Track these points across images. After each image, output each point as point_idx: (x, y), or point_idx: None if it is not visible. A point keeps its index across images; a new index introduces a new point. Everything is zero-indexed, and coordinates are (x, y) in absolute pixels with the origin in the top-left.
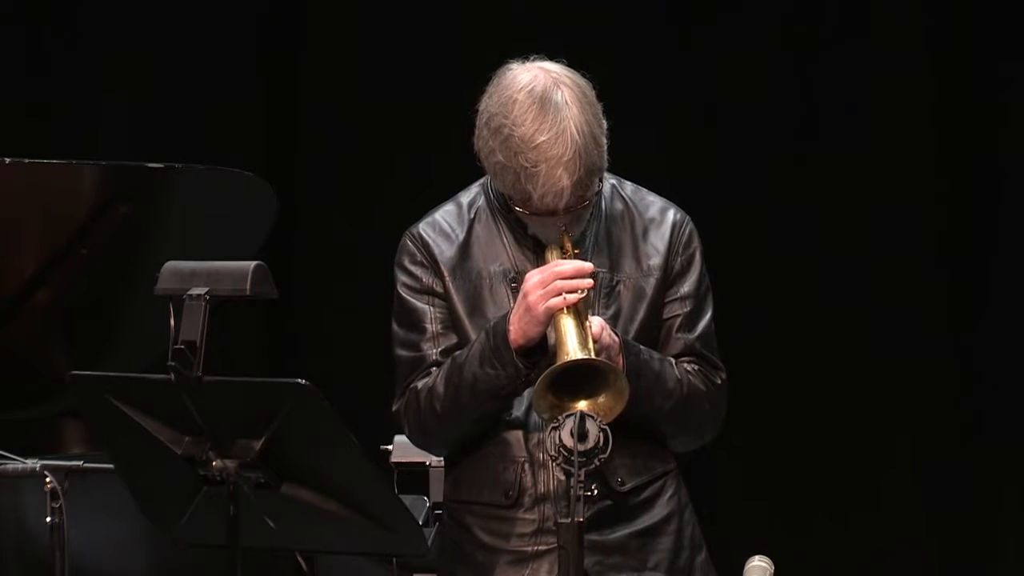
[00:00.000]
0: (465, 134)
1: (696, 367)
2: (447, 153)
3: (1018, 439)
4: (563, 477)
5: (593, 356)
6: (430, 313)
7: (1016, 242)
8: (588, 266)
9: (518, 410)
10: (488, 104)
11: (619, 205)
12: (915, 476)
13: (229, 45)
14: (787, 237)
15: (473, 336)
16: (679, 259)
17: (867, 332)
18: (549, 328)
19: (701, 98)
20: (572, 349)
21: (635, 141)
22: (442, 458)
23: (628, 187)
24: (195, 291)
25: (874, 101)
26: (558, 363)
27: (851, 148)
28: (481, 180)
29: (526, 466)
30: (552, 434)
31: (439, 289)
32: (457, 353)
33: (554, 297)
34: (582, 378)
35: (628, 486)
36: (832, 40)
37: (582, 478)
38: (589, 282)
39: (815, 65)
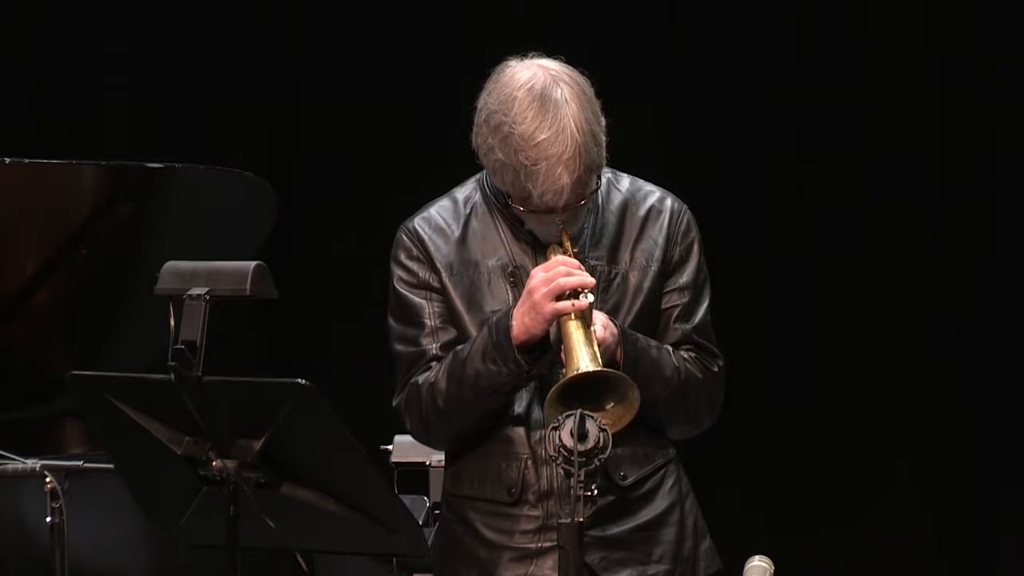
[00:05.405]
0: (465, 134)
1: (693, 355)
2: (447, 152)
3: (1018, 439)
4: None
5: (603, 367)
6: (428, 308)
7: (1016, 242)
8: (590, 281)
9: (520, 407)
10: (487, 101)
11: (616, 197)
12: (916, 476)
13: (229, 45)
14: (788, 238)
15: (472, 331)
16: (678, 249)
17: (868, 332)
18: (552, 327)
19: (699, 94)
20: (583, 360)
21: (630, 134)
22: (442, 457)
23: (625, 179)
24: (195, 291)
25: (874, 101)
26: (570, 375)
27: (852, 148)
28: (476, 175)
29: (529, 463)
30: (552, 434)
31: (435, 284)
32: (459, 348)
33: (559, 298)
34: (593, 387)
35: (630, 480)
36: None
37: (582, 478)
38: (591, 280)
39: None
